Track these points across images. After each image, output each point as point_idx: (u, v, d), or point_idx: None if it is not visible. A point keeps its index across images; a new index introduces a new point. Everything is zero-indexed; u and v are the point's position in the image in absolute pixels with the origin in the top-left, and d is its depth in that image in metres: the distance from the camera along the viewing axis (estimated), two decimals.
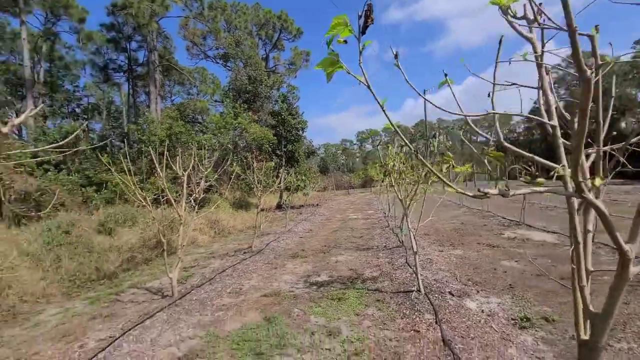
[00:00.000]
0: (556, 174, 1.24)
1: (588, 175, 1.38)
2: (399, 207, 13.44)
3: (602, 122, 1.45)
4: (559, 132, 1.49)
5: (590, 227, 1.54)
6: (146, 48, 22.07)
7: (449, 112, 1.20)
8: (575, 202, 1.47)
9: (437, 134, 4.40)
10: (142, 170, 15.15)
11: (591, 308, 1.37)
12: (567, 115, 1.53)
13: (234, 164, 12.78)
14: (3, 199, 9.09)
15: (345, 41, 1.08)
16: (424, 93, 36.35)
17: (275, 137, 18.00)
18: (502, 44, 1.49)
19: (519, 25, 1.39)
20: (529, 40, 1.45)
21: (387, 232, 9.63)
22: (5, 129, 1.46)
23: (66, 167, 13.86)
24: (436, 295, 4.18)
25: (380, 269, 5.76)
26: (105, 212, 10.52)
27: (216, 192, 15.35)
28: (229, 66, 29.73)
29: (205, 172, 5.12)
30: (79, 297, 5.41)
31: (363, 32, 1.06)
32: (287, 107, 19.86)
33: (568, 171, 1.24)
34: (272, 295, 4.73)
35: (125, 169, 4.74)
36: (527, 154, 1.44)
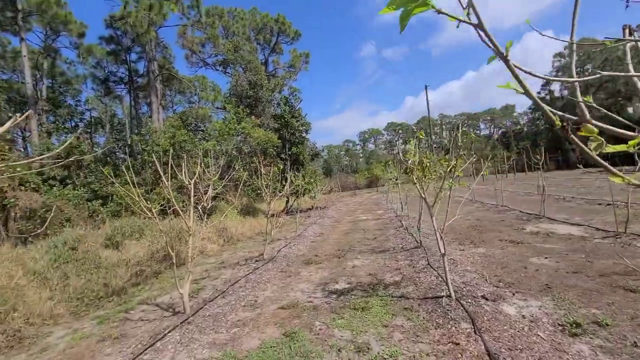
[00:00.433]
0: None
1: None
2: (411, 206, 13.09)
3: None
4: None
5: None
6: (145, 58, 22.01)
7: (555, 79, 0.90)
8: None
9: (461, 124, 4.08)
10: (146, 181, 14.99)
11: None
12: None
13: (241, 170, 12.55)
14: (6, 216, 8.92)
15: None
16: (426, 89, 36.00)
17: (280, 141, 17.76)
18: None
19: None
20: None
21: (401, 232, 9.29)
22: None
23: (72, 182, 13.74)
24: (469, 300, 3.85)
25: (401, 273, 5.44)
26: (112, 225, 10.32)
27: (223, 199, 15.14)
28: (228, 72, 29.68)
29: (212, 180, 4.86)
30: (88, 317, 5.16)
31: None
32: (290, 110, 19.62)
33: None
34: (289, 307, 4.43)
35: (129, 180, 4.49)
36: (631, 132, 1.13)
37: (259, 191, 14.72)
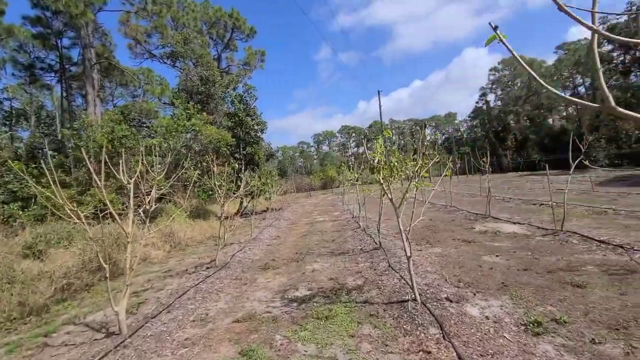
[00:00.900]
0: None
1: None
2: (368, 206, 13.21)
3: None
4: None
5: None
6: (81, 44, 19.64)
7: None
8: None
9: (425, 125, 4.04)
10: (79, 181, 13.31)
11: None
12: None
13: (191, 169, 11.64)
14: None
15: None
16: (379, 94, 37.19)
17: (234, 140, 16.94)
18: None
19: None
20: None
21: (359, 233, 9.24)
22: None
23: None
24: (434, 303, 3.77)
25: (363, 276, 5.29)
26: (34, 231, 8.90)
27: (170, 201, 13.97)
28: (177, 66, 27.84)
29: (156, 179, 4.26)
30: None
31: None
32: (245, 108, 18.83)
33: None
34: (246, 319, 4.02)
35: (50, 179, 3.74)
36: None
37: (211, 192, 13.84)
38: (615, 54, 32.81)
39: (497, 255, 5.76)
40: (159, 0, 24.89)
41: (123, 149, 12.36)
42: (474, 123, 57.20)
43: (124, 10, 21.86)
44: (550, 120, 50.96)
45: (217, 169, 8.37)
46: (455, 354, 2.71)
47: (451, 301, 3.80)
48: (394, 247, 7.06)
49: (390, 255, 6.27)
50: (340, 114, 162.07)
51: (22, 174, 4.00)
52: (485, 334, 3.04)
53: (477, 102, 56.45)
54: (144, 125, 22.57)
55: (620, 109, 1.00)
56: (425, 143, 3.58)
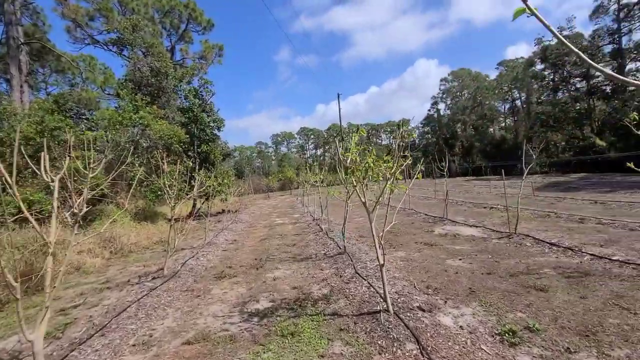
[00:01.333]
0: None
1: None
2: (330, 209, 12.99)
3: None
4: None
5: None
6: (4, 20, 17.11)
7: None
8: None
9: (401, 124, 3.84)
10: None
11: None
12: None
13: (136, 166, 10.51)
14: None
15: None
16: (338, 97, 37.47)
17: (187, 136, 15.80)
18: None
19: None
20: None
21: (321, 237, 8.96)
22: None
23: None
24: (407, 314, 3.57)
25: (329, 284, 4.98)
26: None
27: (112, 202, 12.53)
28: (125, 55, 25.52)
29: (90, 177, 3.56)
30: None
31: None
32: (200, 103, 17.71)
33: None
34: (198, 340, 3.49)
35: None
36: None
37: (160, 192, 12.67)
38: (546, 72, 36.49)
39: (460, 259, 5.80)
40: None
41: (54, 142, 10.84)
42: (426, 129, 60.24)
43: None
44: (491, 130, 55.50)
45: (168, 167, 7.56)
46: None
47: (424, 310, 3.62)
48: (358, 251, 6.87)
49: (355, 261, 6.06)
50: (299, 116, 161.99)
51: None
52: (463, 347, 2.87)
53: (429, 110, 59.65)
54: (83, 117, 20.26)
55: None
56: (401, 144, 3.36)
